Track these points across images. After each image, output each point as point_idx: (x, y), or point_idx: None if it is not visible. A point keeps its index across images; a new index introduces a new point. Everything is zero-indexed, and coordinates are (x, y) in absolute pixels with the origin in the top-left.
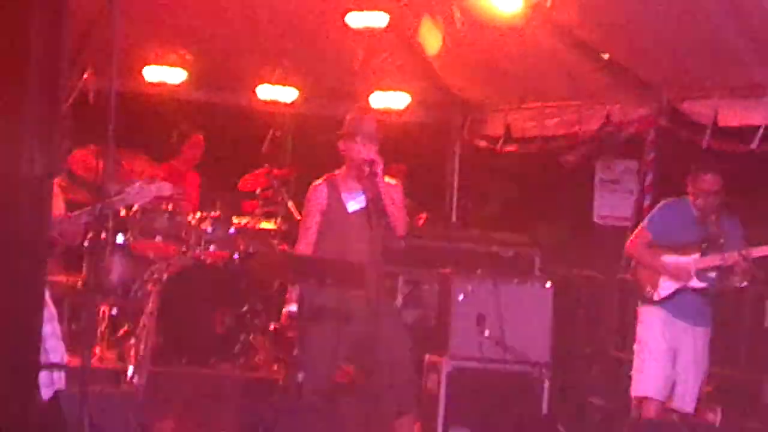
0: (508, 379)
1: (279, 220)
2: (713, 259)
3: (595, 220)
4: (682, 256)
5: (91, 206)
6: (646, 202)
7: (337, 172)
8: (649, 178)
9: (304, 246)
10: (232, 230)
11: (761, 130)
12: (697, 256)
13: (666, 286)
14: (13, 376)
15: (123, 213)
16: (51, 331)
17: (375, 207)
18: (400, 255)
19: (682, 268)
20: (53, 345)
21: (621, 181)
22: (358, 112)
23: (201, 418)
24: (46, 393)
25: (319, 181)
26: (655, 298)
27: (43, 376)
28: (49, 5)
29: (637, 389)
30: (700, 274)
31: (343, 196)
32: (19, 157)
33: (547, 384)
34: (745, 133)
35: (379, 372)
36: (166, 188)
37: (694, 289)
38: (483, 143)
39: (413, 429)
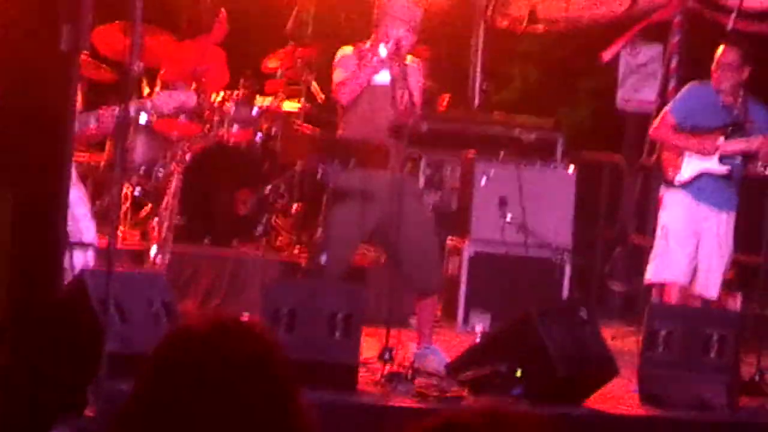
0: (530, 263)
1: (302, 100)
2: (738, 143)
3: (619, 104)
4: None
5: (125, 104)
6: (671, 86)
7: (364, 46)
8: (674, 62)
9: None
10: (254, 111)
11: None
12: (722, 139)
13: (689, 169)
14: (40, 254)
15: (146, 92)
16: (84, 212)
17: (399, 84)
18: (423, 136)
19: (707, 141)
20: (87, 226)
21: (646, 65)
22: None
23: (223, 299)
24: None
25: (349, 49)
26: (678, 180)
27: (78, 255)
28: None
29: (658, 274)
30: (724, 158)
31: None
32: (49, 33)
33: (568, 269)
34: None
35: (402, 253)
36: (191, 98)
37: (718, 174)
38: (506, 23)
39: (435, 310)
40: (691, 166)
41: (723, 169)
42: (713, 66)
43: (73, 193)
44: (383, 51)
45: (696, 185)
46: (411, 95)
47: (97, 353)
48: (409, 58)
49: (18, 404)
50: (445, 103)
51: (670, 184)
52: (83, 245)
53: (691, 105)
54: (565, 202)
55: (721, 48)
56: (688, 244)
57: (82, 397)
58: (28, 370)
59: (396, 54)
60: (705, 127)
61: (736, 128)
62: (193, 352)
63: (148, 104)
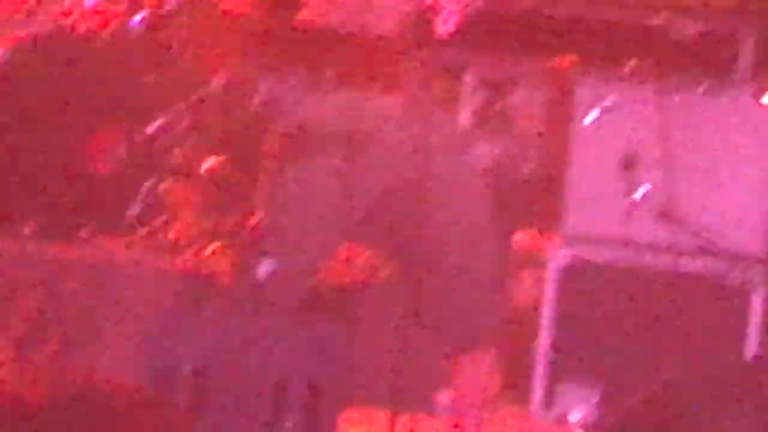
0: (684, 287)
1: None
2: None
3: None
4: None
5: None
6: None
7: None
8: None
9: None
10: None
11: None
12: None
13: None
14: None
15: None
16: None
17: None
18: (467, 28)
19: None
20: None
21: None
22: None
23: (61, 344)
24: None
25: None
26: None
27: None
28: None
29: None
30: None
31: None
32: None
33: (760, 296)
34: None
35: (423, 263)
36: None
37: None
38: None
39: (488, 379)
40: None
41: None
42: None
43: None
44: None
45: None
46: None
47: None
48: None
49: None
50: None
51: None
52: None
53: None
54: (756, 164)
55: None
56: None
57: None
58: None
59: None
60: None
61: None
62: None
63: None
